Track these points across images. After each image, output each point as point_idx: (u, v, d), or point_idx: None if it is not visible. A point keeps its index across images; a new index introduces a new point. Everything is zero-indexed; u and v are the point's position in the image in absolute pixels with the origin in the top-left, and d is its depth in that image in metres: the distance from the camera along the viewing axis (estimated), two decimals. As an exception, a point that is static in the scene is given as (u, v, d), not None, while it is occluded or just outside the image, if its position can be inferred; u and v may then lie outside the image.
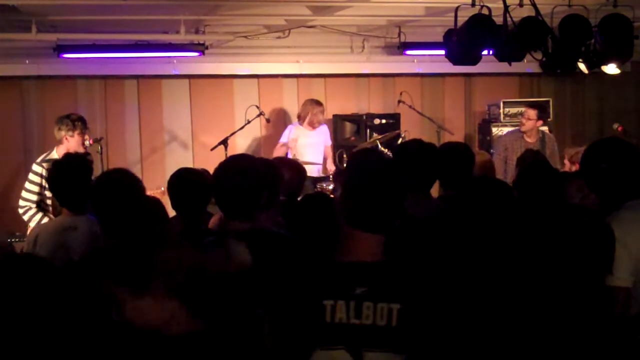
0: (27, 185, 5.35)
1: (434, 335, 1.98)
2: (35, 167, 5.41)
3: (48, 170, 3.57)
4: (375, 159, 2.28)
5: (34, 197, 5.28)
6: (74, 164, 3.61)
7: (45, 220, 5.03)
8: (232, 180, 2.75)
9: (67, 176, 3.47)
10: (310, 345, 1.96)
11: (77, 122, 5.39)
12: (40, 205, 5.25)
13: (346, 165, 2.26)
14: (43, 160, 5.40)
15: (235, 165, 2.84)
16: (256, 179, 2.78)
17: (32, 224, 5.17)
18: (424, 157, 3.51)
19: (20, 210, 5.34)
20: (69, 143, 5.37)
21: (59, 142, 5.45)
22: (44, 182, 5.23)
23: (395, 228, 2.09)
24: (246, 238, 2.62)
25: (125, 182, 3.19)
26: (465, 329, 2.08)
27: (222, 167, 2.86)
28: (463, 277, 2.46)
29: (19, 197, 5.43)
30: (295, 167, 4.21)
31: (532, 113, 6.80)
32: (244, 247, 2.37)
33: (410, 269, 2.06)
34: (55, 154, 5.41)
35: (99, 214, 3.03)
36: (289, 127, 7.39)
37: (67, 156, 4.24)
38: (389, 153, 6.25)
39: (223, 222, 3.47)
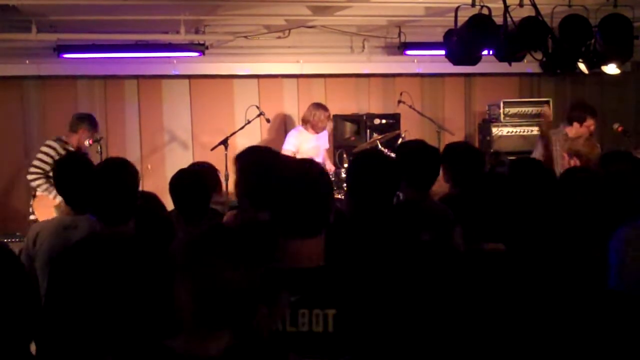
0: (40, 156, 5.89)
1: (370, 340, 1.94)
2: (51, 142, 5.96)
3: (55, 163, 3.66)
4: (297, 168, 2.22)
5: (47, 167, 5.77)
6: (79, 162, 3.63)
7: (52, 190, 5.64)
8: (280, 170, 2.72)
9: (72, 174, 3.48)
10: None
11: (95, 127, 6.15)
12: (50, 176, 5.69)
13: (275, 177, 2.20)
14: (59, 140, 5.97)
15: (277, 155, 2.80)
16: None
17: (40, 192, 5.81)
18: (424, 157, 3.51)
19: (30, 177, 5.88)
20: (80, 138, 6.00)
21: (73, 132, 6.02)
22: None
23: (331, 230, 2.06)
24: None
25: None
26: (405, 333, 2.06)
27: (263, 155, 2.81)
28: (406, 281, 2.44)
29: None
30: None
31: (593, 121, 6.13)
32: None
33: (345, 273, 2.02)
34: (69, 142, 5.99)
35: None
36: (292, 133, 7.32)
37: (71, 154, 4.35)
38: (389, 153, 6.26)
39: (239, 218, 3.46)
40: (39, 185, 5.85)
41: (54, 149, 5.90)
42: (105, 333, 2.47)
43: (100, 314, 2.51)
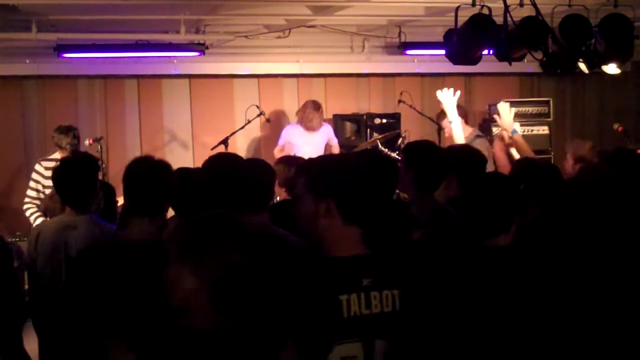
0: (30, 183, 5.67)
1: (431, 318, 2.08)
2: (36, 166, 5.72)
3: (53, 169, 3.56)
4: (364, 158, 2.32)
5: (35, 194, 5.61)
6: (82, 161, 3.57)
7: (41, 220, 5.19)
8: (215, 181, 2.77)
9: (74, 174, 3.44)
10: (328, 342, 2.01)
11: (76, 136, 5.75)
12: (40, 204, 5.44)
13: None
14: (44, 159, 5.68)
15: (214, 166, 2.89)
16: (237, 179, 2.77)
17: (33, 223, 5.43)
18: (433, 158, 3.49)
19: (24, 207, 5.64)
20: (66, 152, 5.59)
21: (61, 149, 5.71)
22: (42, 180, 5.38)
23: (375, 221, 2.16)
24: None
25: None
26: (461, 313, 2.17)
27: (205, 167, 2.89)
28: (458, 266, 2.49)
29: (20, 196, 5.52)
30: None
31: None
32: None
33: (404, 258, 2.16)
34: (58, 155, 5.65)
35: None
36: (286, 127, 7.39)
37: (75, 154, 4.29)
38: (390, 153, 6.25)
39: None
40: (31, 218, 5.59)
41: (38, 173, 5.71)
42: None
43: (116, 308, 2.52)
